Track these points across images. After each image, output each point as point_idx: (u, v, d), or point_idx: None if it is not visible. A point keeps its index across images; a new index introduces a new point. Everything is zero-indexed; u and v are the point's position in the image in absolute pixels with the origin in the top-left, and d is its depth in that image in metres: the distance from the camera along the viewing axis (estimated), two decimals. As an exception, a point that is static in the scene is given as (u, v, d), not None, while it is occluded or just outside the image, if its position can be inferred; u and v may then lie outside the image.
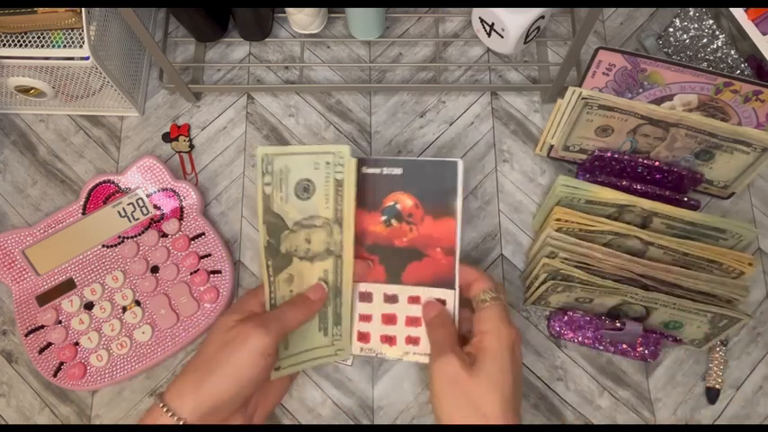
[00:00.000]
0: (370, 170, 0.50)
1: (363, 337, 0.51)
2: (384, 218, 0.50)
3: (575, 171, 0.62)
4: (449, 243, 0.49)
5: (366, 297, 0.51)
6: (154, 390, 0.56)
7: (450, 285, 0.49)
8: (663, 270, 0.52)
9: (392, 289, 0.51)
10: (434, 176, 0.49)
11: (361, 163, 0.49)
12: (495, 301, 0.46)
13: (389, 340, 0.51)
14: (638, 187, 0.56)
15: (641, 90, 0.57)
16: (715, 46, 0.61)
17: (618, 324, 0.55)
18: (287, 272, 0.49)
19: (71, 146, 0.64)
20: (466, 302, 0.49)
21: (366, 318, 0.51)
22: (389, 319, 0.51)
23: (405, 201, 0.50)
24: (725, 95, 0.55)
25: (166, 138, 0.65)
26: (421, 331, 0.50)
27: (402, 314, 0.51)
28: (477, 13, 0.61)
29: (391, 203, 0.50)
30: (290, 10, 0.63)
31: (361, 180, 0.49)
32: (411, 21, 0.69)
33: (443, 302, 0.49)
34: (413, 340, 0.50)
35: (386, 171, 0.49)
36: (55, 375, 0.55)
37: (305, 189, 0.47)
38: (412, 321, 0.50)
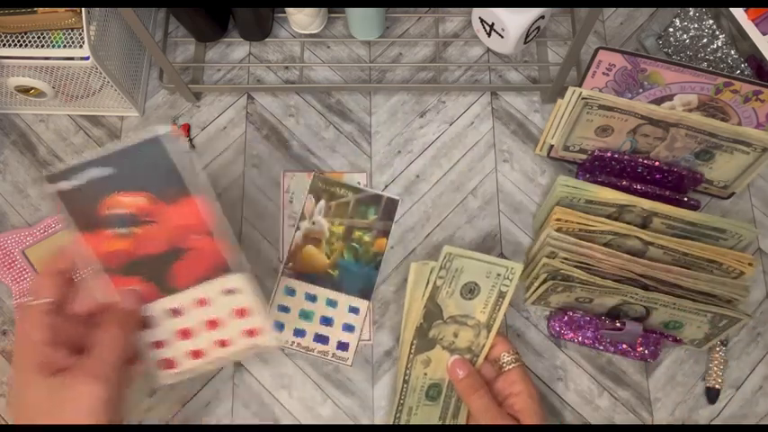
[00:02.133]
0: (70, 184, 0.39)
1: (169, 364, 0.45)
2: (116, 230, 0.41)
3: (575, 171, 0.62)
4: (200, 224, 0.42)
5: (148, 322, 0.44)
6: (153, 390, 0.56)
7: (229, 269, 0.43)
8: (663, 270, 0.52)
9: (172, 301, 0.43)
10: (146, 159, 0.40)
11: (53, 179, 0.39)
12: (518, 362, 0.49)
13: (197, 354, 0.45)
14: (638, 187, 0.56)
15: (641, 90, 0.57)
16: (715, 46, 0.61)
17: (618, 324, 0.55)
18: (427, 355, 0.51)
19: (71, 146, 0.64)
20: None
21: (161, 344, 0.44)
22: (185, 334, 0.44)
23: (131, 201, 0.41)
24: (725, 95, 0.55)
25: (166, 138, 0.65)
26: (228, 331, 0.45)
27: (197, 322, 0.44)
28: (477, 13, 0.61)
29: (117, 211, 0.41)
30: (290, 10, 0.63)
31: (65, 200, 0.40)
32: (411, 21, 0.69)
33: (232, 291, 0.44)
34: (222, 343, 0.45)
35: (90, 176, 0.40)
36: (55, 375, 0.55)
37: (470, 291, 0.50)
38: (212, 324, 0.45)
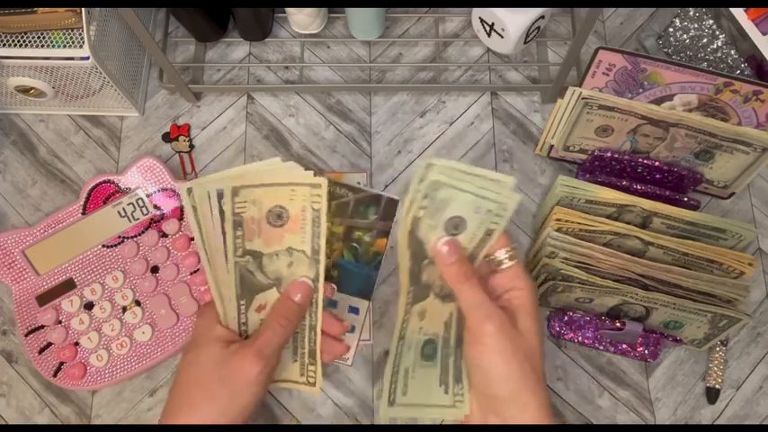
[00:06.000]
0: None
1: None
2: None
3: (575, 171, 0.62)
4: None
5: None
6: (154, 390, 0.56)
7: None
8: (663, 270, 0.52)
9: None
10: None
11: None
12: (517, 259, 0.43)
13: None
14: (638, 187, 0.56)
15: (641, 90, 0.57)
16: (715, 46, 0.61)
17: (618, 324, 0.55)
18: (422, 305, 0.44)
19: (71, 146, 0.64)
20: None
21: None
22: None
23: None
24: (725, 95, 0.55)
25: (166, 138, 0.65)
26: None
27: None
28: (477, 13, 0.61)
29: None
30: (290, 10, 0.63)
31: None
32: (411, 21, 0.69)
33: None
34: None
35: None
36: (55, 375, 0.55)
37: (455, 226, 0.42)
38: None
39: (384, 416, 0.44)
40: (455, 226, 0.42)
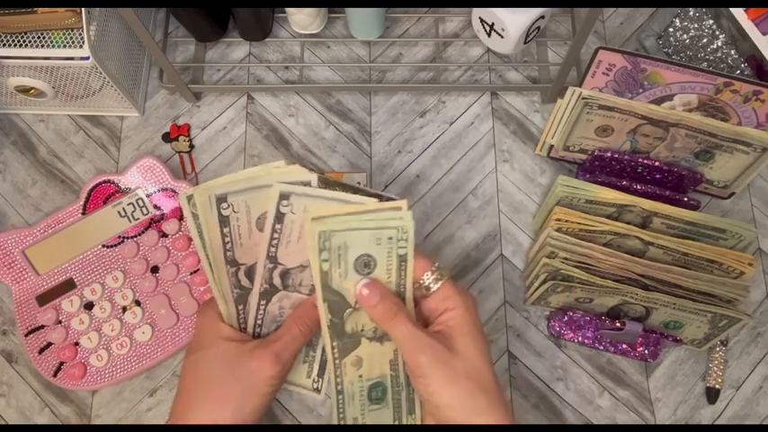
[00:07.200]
0: None
1: None
2: None
3: (575, 171, 0.62)
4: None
5: None
6: (154, 390, 0.56)
7: None
8: (663, 270, 0.52)
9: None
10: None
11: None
12: (444, 278, 0.42)
13: None
14: (638, 187, 0.56)
15: (641, 90, 0.57)
16: (715, 46, 0.61)
17: (618, 324, 0.55)
18: (355, 355, 0.43)
19: (71, 146, 0.64)
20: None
21: None
22: None
23: None
24: (725, 95, 0.55)
25: (166, 138, 0.65)
26: None
27: None
28: (477, 13, 0.61)
29: None
30: (290, 10, 0.63)
31: None
32: (411, 21, 0.69)
33: None
34: None
35: None
36: (55, 375, 0.55)
37: (366, 265, 0.42)
38: None
39: None
40: (365, 264, 0.42)
